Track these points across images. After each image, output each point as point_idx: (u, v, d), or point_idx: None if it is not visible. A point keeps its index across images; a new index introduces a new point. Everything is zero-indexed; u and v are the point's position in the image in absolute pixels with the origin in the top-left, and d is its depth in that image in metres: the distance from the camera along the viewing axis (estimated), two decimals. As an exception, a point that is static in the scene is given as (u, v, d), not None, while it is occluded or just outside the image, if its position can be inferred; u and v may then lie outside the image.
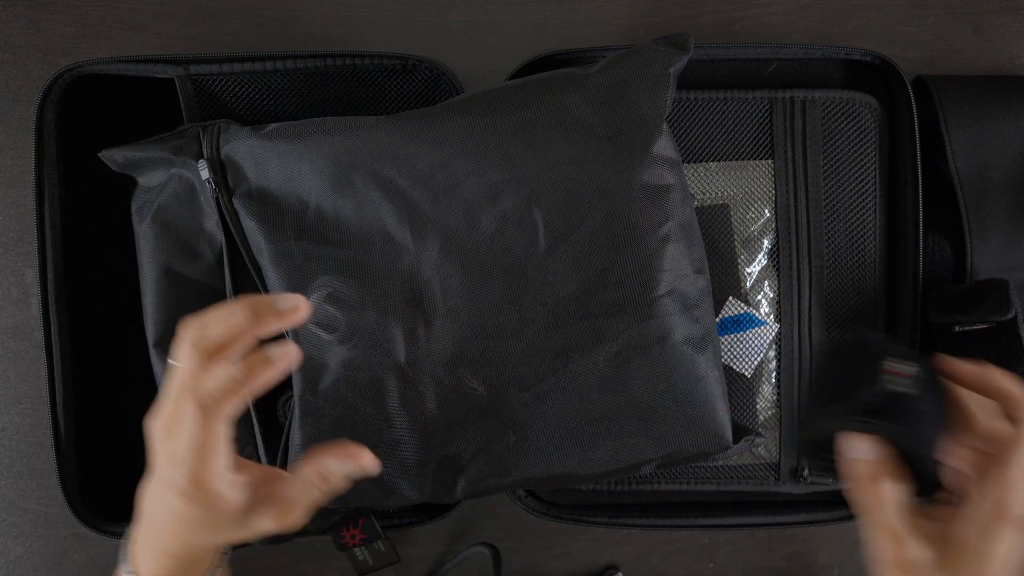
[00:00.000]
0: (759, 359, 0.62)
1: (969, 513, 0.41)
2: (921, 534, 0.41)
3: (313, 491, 0.42)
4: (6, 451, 0.65)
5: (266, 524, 0.41)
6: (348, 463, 0.43)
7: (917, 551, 0.40)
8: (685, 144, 0.61)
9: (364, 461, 0.43)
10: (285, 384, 0.53)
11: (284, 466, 0.54)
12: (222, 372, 0.39)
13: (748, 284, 0.61)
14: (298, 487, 0.42)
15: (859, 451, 0.41)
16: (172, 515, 0.41)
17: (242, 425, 0.55)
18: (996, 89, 0.62)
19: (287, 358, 0.40)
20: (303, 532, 0.50)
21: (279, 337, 0.45)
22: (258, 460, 0.55)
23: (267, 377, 0.40)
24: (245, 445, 0.55)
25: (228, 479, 0.40)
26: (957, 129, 0.61)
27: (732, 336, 0.61)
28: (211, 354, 0.39)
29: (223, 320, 0.39)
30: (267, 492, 0.42)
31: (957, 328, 0.59)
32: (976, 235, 0.61)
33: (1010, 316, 0.57)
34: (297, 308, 0.40)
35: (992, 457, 0.41)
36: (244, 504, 0.41)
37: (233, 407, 0.39)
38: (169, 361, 0.41)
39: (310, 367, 0.52)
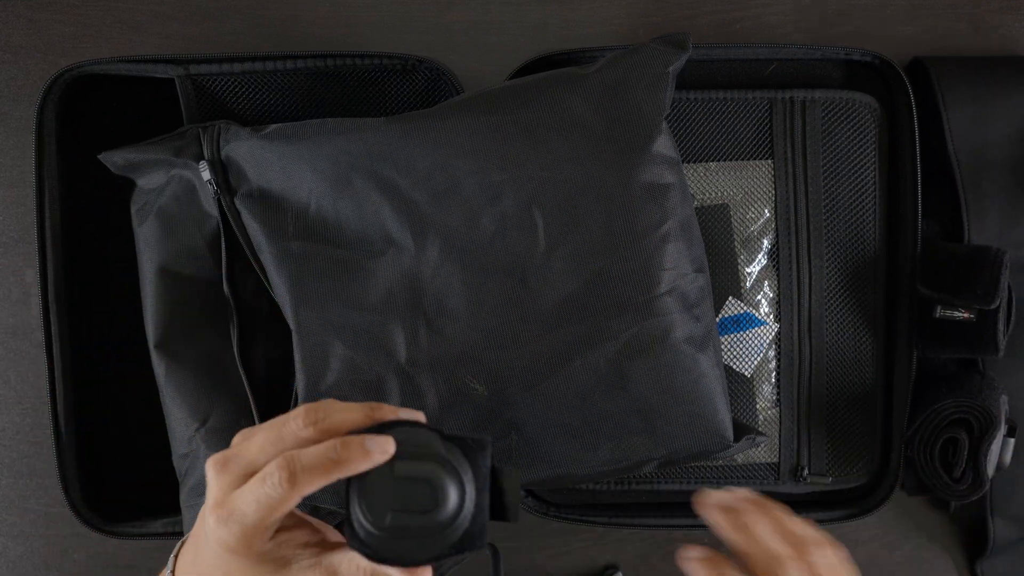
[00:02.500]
0: (759, 359, 0.62)
1: None
2: None
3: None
4: (6, 451, 0.65)
5: None
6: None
7: None
8: (685, 144, 0.61)
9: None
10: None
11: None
12: (323, 448, 0.38)
13: (748, 284, 0.62)
14: (348, 562, 0.40)
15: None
16: (217, 562, 0.39)
17: (244, 424, 0.55)
18: (994, 69, 0.62)
19: (384, 453, 0.38)
20: None
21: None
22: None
23: (360, 468, 0.38)
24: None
25: (271, 546, 0.39)
26: (955, 108, 0.61)
27: (732, 336, 0.61)
28: (321, 426, 0.38)
29: (345, 412, 0.39)
30: (310, 558, 0.40)
31: (939, 312, 0.59)
32: (974, 214, 0.61)
33: (994, 306, 0.57)
34: (416, 416, 0.40)
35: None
36: (283, 558, 0.39)
37: (318, 487, 0.38)
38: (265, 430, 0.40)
39: (313, 367, 0.52)
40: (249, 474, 0.38)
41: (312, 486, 0.37)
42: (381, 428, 0.39)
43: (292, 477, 0.37)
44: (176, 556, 0.45)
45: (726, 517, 0.42)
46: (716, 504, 0.43)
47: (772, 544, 0.41)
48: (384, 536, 0.38)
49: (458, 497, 0.38)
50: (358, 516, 0.38)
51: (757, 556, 0.41)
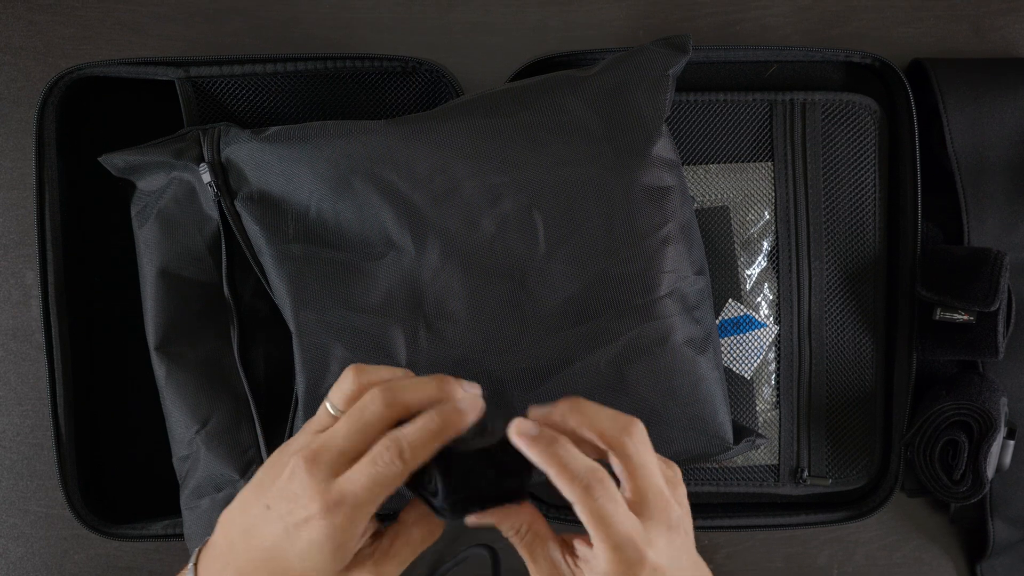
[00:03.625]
0: (759, 361, 0.62)
1: (591, 561, 0.41)
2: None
3: (414, 535, 0.43)
4: (7, 453, 0.65)
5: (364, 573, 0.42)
6: (433, 525, 0.43)
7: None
8: (685, 146, 0.61)
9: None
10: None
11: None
12: (423, 421, 0.40)
13: (748, 286, 0.62)
14: (399, 538, 0.43)
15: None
16: (275, 554, 0.40)
17: (244, 429, 0.55)
18: (994, 71, 0.62)
19: (476, 408, 0.41)
20: None
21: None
22: (261, 462, 0.55)
23: (461, 427, 0.40)
24: (248, 447, 0.55)
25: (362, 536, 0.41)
26: (955, 109, 0.61)
27: (732, 338, 0.61)
28: (397, 405, 0.40)
29: (416, 387, 0.41)
30: (367, 545, 0.42)
31: (938, 315, 0.59)
32: (973, 216, 0.61)
33: (994, 308, 0.57)
34: (477, 393, 0.42)
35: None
36: (352, 557, 0.41)
37: (425, 458, 0.40)
38: (327, 402, 0.42)
39: (313, 369, 0.52)
40: (344, 463, 0.40)
41: (421, 458, 0.39)
42: None
43: (401, 453, 0.39)
44: (196, 564, 0.45)
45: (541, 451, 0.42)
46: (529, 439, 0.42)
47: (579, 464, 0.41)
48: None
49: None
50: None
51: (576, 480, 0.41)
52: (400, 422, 0.41)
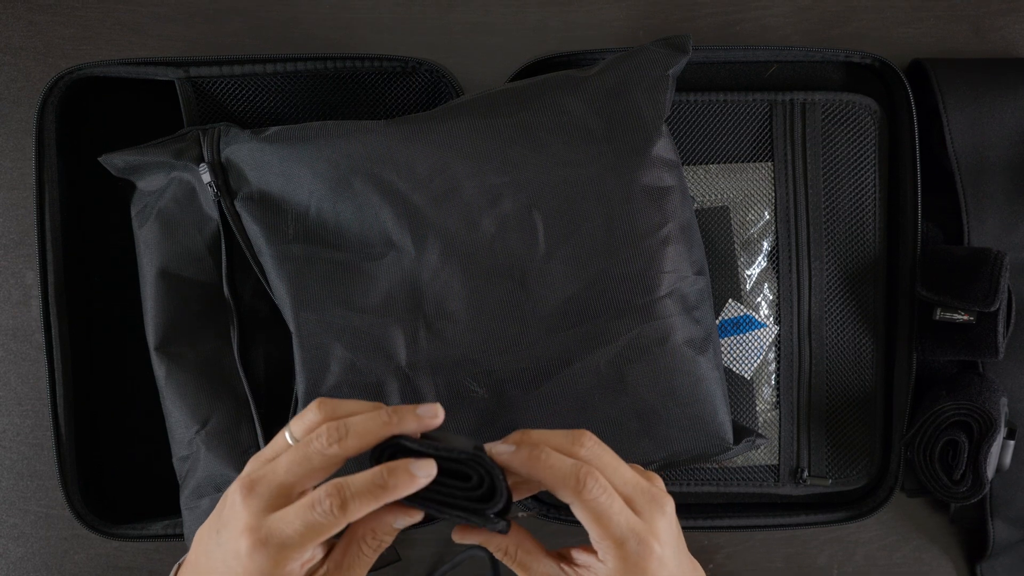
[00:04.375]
0: (759, 361, 0.62)
1: (597, 569, 0.41)
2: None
3: (367, 551, 0.41)
4: (7, 453, 0.65)
5: None
6: (396, 514, 0.41)
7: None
8: (685, 146, 0.61)
9: (410, 511, 0.41)
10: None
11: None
12: (372, 475, 0.38)
13: (748, 286, 0.62)
14: (351, 551, 0.41)
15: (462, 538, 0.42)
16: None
17: (244, 429, 0.55)
18: (994, 71, 0.62)
19: (429, 476, 0.39)
20: None
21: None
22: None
23: (408, 491, 0.39)
24: (248, 447, 0.55)
25: (300, 568, 0.40)
26: (955, 109, 0.61)
27: (732, 338, 0.61)
28: (346, 443, 0.39)
29: (365, 416, 0.40)
30: (317, 569, 0.41)
31: (938, 315, 0.59)
32: (973, 216, 0.61)
33: (994, 308, 0.57)
34: (436, 415, 0.41)
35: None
36: None
37: (367, 511, 0.38)
38: (287, 430, 0.41)
39: (313, 369, 0.52)
40: (281, 496, 0.39)
41: (361, 511, 0.38)
42: (424, 436, 0.40)
43: (344, 504, 0.38)
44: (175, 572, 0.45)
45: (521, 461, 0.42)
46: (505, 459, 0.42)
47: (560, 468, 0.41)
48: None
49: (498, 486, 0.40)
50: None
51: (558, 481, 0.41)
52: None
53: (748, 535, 0.66)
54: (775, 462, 0.63)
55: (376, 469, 0.38)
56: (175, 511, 0.59)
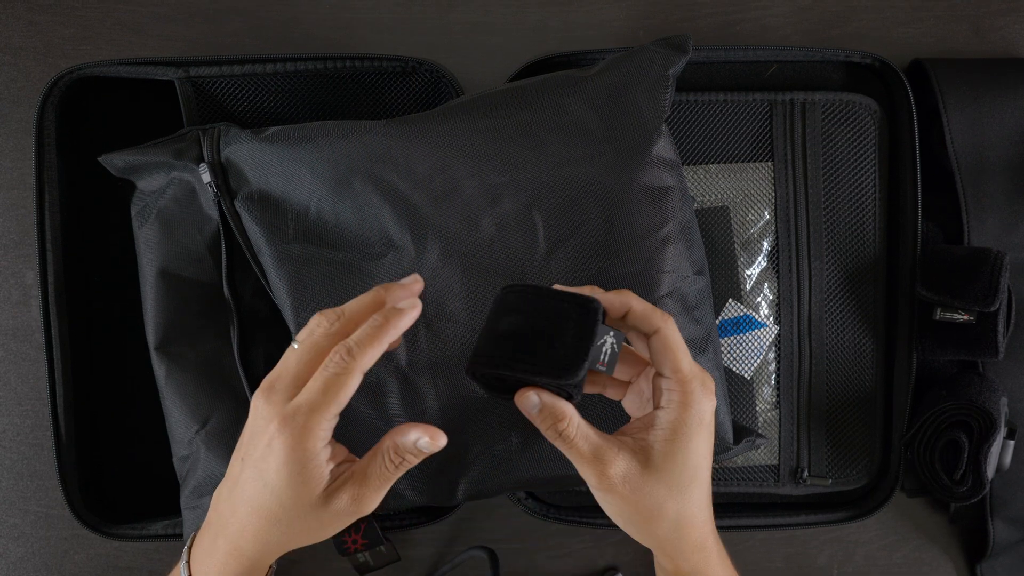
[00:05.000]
0: (759, 361, 0.62)
1: (658, 417, 0.42)
2: (620, 451, 0.42)
3: (389, 466, 0.42)
4: (7, 452, 0.65)
5: (344, 502, 0.41)
6: (420, 434, 0.43)
7: (621, 466, 0.42)
8: (685, 146, 0.61)
9: (435, 433, 0.43)
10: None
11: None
12: (368, 322, 0.42)
13: (748, 286, 0.62)
14: (375, 462, 0.42)
15: (528, 405, 0.42)
16: (256, 503, 0.41)
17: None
18: (994, 71, 0.62)
19: (415, 308, 0.43)
20: None
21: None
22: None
23: (402, 324, 0.42)
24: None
25: (327, 451, 0.41)
26: (955, 109, 0.61)
27: (732, 338, 0.61)
28: (344, 319, 0.42)
29: (357, 301, 0.43)
30: (344, 470, 0.42)
31: (938, 315, 0.59)
32: (973, 216, 0.61)
33: (994, 308, 0.57)
34: (417, 282, 0.45)
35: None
36: (328, 481, 0.41)
37: (374, 356, 0.41)
38: (294, 342, 0.43)
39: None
40: (299, 386, 0.41)
41: (370, 355, 0.41)
42: (505, 290, 0.43)
43: (349, 351, 0.41)
44: (190, 548, 0.46)
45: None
46: None
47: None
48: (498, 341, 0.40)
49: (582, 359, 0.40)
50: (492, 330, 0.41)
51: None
52: None
53: (748, 535, 0.66)
54: (775, 462, 0.63)
55: (371, 316, 0.42)
56: (175, 511, 0.59)
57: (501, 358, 0.41)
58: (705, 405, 0.42)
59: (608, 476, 0.42)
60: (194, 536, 0.47)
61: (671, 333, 0.42)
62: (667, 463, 0.42)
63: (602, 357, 0.41)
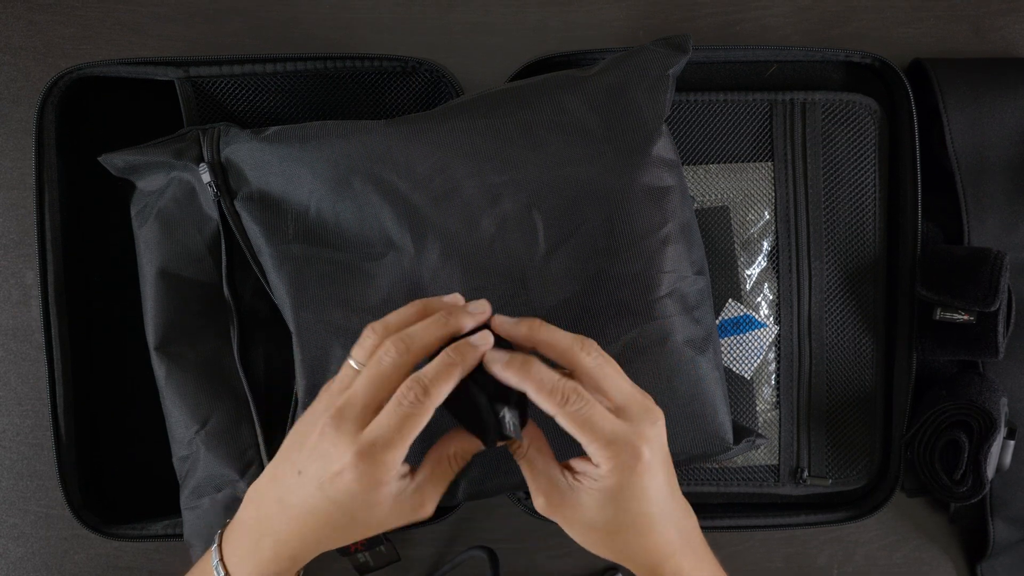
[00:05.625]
0: (759, 361, 0.62)
1: (593, 472, 0.43)
2: (553, 484, 0.44)
3: (447, 472, 0.44)
4: (7, 453, 0.65)
5: (407, 514, 0.43)
6: (469, 441, 0.45)
7: (540, 502, 0.45)
8: (685, 146, 0.61)
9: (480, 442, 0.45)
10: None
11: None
12: (441, 358, 0.42)
13: (748, 286, 0.62)
14: (440, 466, 0.44)
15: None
16: (318, 513, 0.42)
17: (244, 429, 0.55)
18: (994, 71, 0.62)
19: (487, 343, 0.43)
20: None
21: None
22: (260, 462, 0.55)
23: (474, 360, 0.42)
24: (248, 447, 0.55)
25: (398, 482, 0.43)
26: (955, 109, 0.61)
27: (732, 338, 0.61)
28: (412, 351, 0.42)
29: (425, 324, 0.43)
30: (406, 484, 0.43)
31: (938, 315, 0.59)
32: (973, 216, 0.61)
33: (994, 308, 0.57)
34: (485, 311, 0.45)
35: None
36: (397, 491, 0.43)
37: (446, 392, 0.42)
38: (351, 360, 0.44)
39: (313, 369, 0.52)
40: (369, 415, 0.41)
41: (442, 391, 0.41)
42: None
43: (425, 390, 0.41)
44: (220, 547, 0.46)
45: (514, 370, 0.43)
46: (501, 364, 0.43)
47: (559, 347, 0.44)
48: None
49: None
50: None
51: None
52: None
53: (748, 535, 0.66)
54: (775, 462, 0.63)
55: (443, 352, 0.42)
56: (175, 511, 0.59)
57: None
58: (637, 464, 0.42)
59: (538, 505, 0.45)
60: (221, 534, 0.47)
61: (570, 414, 0.42)
62: (601, 515, 0.43)
63: (508, 428, 0.43)
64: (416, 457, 0.44)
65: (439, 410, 0.42)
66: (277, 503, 0.44)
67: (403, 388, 0.41)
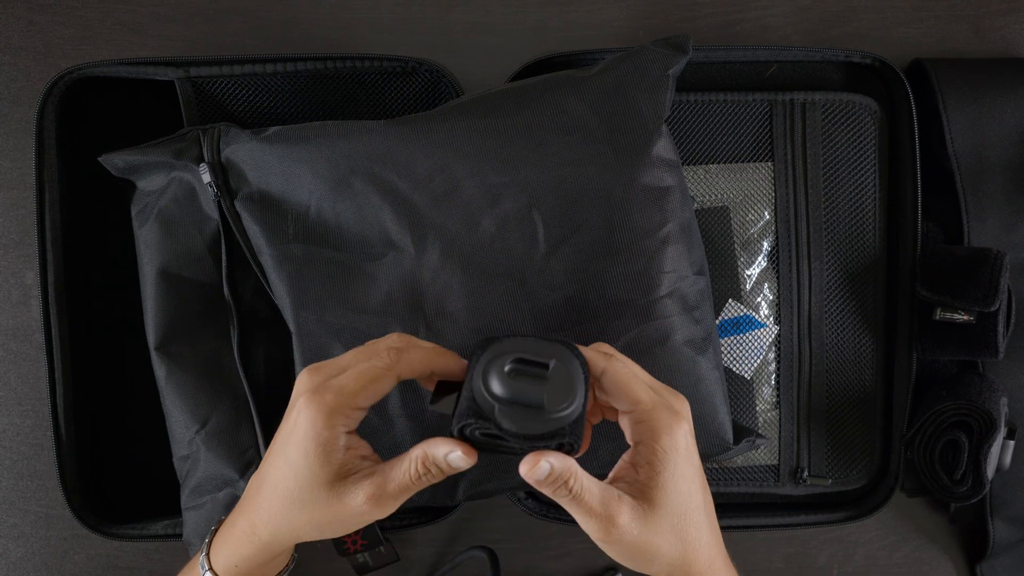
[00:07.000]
0: (759, 361, 0.62)
1: (637, 454, 0.42)
2: (622, 499, 0.41)
3: (413, 474, 0.41)
4: (7, 453, 0.65)
5: (359, 499, 0.41)
6: (454, 447, 0.41)
7: (626, 515, 0.41)
8: (685, 146, 0.61)
9: (469, 451, 0.41)
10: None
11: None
12: (431, 345, 0.43)
13: (748, 286, 0.62)
14: (400, 467, 0.41)
15: (538, 474, 0.40)
16: (274, 479, 0.42)
17: (244, 429, 0.55)
18: (994, 71, 0.62)
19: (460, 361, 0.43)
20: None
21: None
22: (261, 461, 0.55)
23: (450, 364, 0.42)
24: (248, 447, 0.55)
25: (349, 439, 0.42)
26: (955, 109, 0.61)
27: (732, 338, 0.61)
28: (409, 348, 0.42)
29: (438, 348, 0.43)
30: (365, 466, 0.42)
31: (938, 315, 0.59)
32: (973, 216, 0.61)
33: (994, 308, 0.57)
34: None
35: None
36: (347, 467, 0.41)
37: (420, 368, 0.42)
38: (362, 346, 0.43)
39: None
40: (340, 373, 0.41)
41: (413, 364, 0.41)
42: (487, 341, 0.42)
43: (397, 352, 0.41)
44: (215, 529, 0.47)
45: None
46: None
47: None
48: (501, 408, 0.39)
49: (573, 397, 0.40)
50: (479, 387, 0.39)
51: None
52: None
53: (748, 535, 0.66)
54: (775, 462, 0.63)
55: (435, 347, 0.42)
56: (175, 511, 0.59)
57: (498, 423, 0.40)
58: (677, 431, 0.41)
59: (618, 527, 0.41)
60: (223, 519, 0.47)
61: (619, 369, 0.42)
62: (661, 496, 0.41)
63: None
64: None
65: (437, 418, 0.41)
66: (255, 480, 0.44)
67: (383, 344, 0.42)
